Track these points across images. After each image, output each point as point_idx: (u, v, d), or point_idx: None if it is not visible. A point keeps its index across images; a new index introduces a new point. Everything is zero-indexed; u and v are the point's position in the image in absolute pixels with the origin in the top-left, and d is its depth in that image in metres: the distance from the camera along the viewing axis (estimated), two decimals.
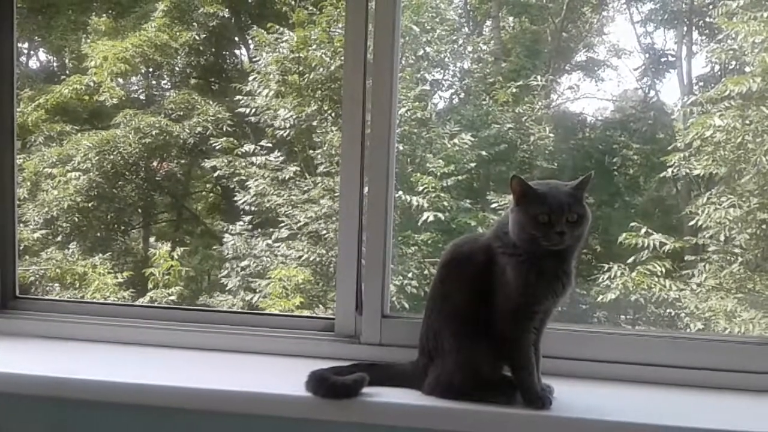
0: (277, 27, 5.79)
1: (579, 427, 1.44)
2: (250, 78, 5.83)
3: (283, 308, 4.82)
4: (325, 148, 5.43)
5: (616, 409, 1.49)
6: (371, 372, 1.54)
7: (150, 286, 5.38)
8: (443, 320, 1.51)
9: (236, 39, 6.79)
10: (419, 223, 5.00)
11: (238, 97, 5.83)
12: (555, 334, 1.68)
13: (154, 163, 6.25)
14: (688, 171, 5.01)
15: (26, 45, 6.60)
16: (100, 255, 5.78)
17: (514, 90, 5.55)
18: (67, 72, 6.42)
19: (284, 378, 1.58)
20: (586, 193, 1.46)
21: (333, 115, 5.46)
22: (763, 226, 4.67)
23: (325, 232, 5.27)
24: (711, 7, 5.49)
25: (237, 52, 6.98)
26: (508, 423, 1.45)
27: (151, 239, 6.57)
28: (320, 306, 5.08)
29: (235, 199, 5.65)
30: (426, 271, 4.83)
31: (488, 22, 6.49)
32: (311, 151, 5.59)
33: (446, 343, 1.49)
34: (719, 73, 5.41)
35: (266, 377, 1.65)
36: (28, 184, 5.83)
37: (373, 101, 1.77)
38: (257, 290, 5.22)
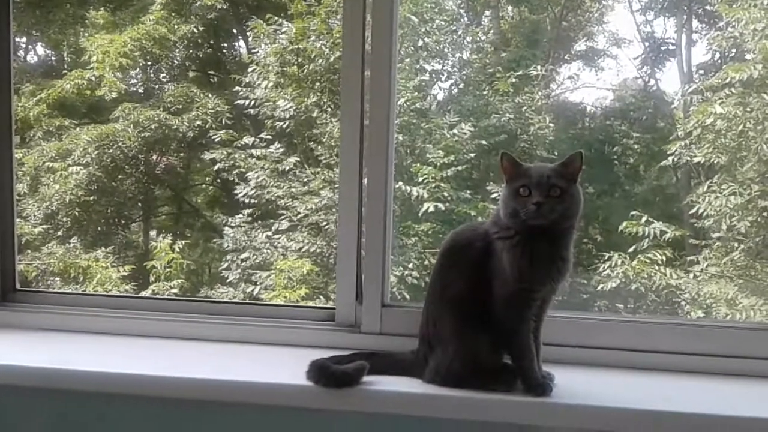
0: (276, 18, 5.76)
1: (580, 413, 1.44)
2: (249, 70, 5.81)
3: (288, 299, 4.83)
4: (324, 140, 5.42)
5: (617, 395, 1.49)
6: (372, 361, 1.54)
7: (152, 279, 5.39)
8: (443, 308, 1.51)
9: (235, 31, 6.77)
10: (419, 214, 5.00)
11: (237, 88, 5.82)
12: (556, 321, 1.69)
13: (154, 157, 6.25)
14: (688, 159, 5.00)
15: (24, 39, 6.59)
16: (102, 249, 5.78)
17: (514, 80, 5.53)
18: (66, 66, 6.41)
19: (285, 368, 1.59)
20: (578, 174, 1.45)
21: (332, 106, 5.45)
22: (764, 214, 4.66)
23: (325, 223, 5.27)
24: None
25: (236, 44, 6.96)
26: (509, 410, 1.46)
27: (152, 233, 6.58)
28: (321, 297, 5.08)
29: (235, 191, 5.65)
30: (426, 262, 4.83)
31: (487, 12, 6.47)
32: (311, 143, 5.58)
33: (446, 331, 1.50)
34: (719, 60, 5.39)
35: (267, 367, 1.66)
36: (28, 178, 5.83)
37: (371, 92, 1.77)
38: (258, 282, 5.22)
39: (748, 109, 4.71)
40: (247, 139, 5.74)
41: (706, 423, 1.42)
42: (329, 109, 5.49)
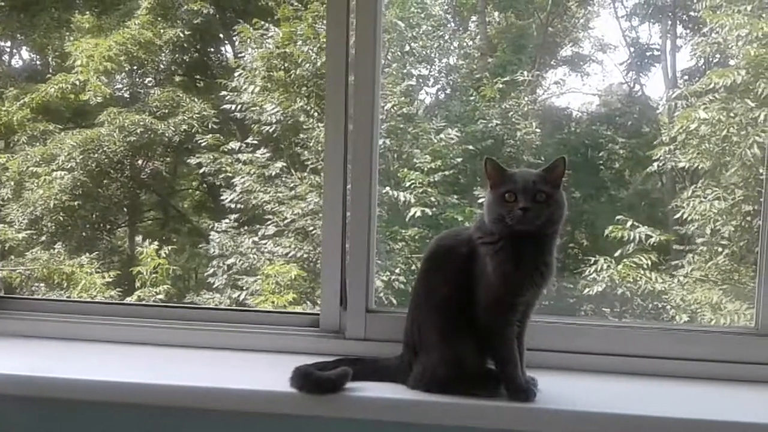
0: (263, 23, 5.75)
1: (563, 418, 1.44)
2: (236, 74, 5.79)
3: (275, 304, 4.81)
4: (311, 144, 5.42)
5: (601, 400, 1.49)
6: (356, 367, 1.54)
7: (137, 284, 5.35)
8: (427, 314, 1.51)
9: (221, 35, 6.74)
10: (407, 219, 5.00)
11: (223, 93, 5.80)
12: (541, 326, 1.69)
13: (140, 162, 6.22)
14: (673, 164, 5.04)
15: (8, 43, 6.54)
16: (87, 254, 5.74)
17: (501, 85, 5.55)
18: (51, 70, 6.36)
19: (269, 374, 1.58)
20: (563, 179, 1.47)
21: (319, 111, 5.44)
22: (748, 218, 4.70)
23: (312, 228, 5.25)
24: (695, 0, 5.51)
25: (222, 48, 6.94)
26: (493, 416, 1.46)
27: (138, 238, 6.53)
28: (308, 302, 5.07)
29: (222, 196, 5.63)
30: (413, 267, 4.82)
31: (474, 18, 6.50)
32: (297, 148, 5.57)
33: (430, 337, 1.50)
34: (703, 66, 5.42)
35: (251, 374, 1.65)
36: (12, 183, 5.78)
37: (355, 97, 1.77)
38: (244, 288, 5.21)
39: (732, 115, 4.75)
40: (234, 144, 5.72)
41: (691, 427, 1.43)
42: (316, 114, 5.48)
